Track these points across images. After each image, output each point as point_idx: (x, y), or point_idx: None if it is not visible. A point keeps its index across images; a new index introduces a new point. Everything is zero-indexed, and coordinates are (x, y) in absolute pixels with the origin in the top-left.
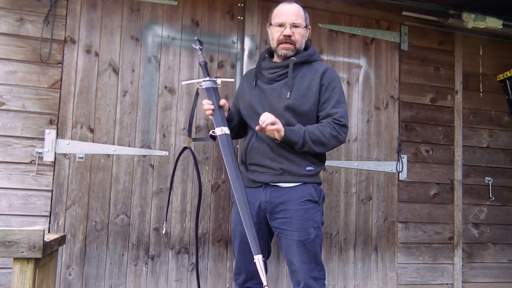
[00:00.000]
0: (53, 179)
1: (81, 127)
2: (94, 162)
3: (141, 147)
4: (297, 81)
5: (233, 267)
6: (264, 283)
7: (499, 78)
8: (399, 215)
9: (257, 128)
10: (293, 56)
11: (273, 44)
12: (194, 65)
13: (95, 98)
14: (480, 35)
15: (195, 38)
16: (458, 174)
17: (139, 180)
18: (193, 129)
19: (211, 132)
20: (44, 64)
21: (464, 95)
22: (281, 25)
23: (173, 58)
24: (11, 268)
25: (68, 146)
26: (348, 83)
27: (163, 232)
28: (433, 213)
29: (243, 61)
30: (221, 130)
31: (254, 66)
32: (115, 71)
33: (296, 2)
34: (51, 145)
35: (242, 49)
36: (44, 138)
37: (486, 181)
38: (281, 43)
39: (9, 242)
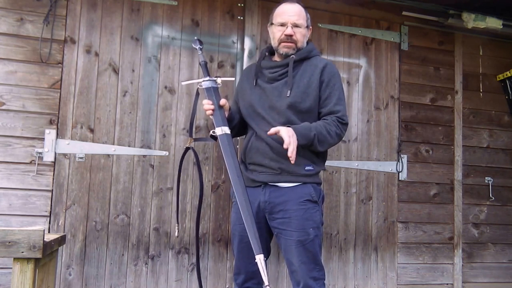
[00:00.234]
0: (53, 179)
1: (81, 127)
2: (94, 162)
3: (141, 147)
4: (297, 79)
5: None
6: (266, 283)
7: (499, 78)
8: (399, 215)
9: (268, 133)
10: (293, 55)
11: (274, 43)
12: (194, 65)
13: (95, 98)
14: (480, 35)
15: (195, 38)
16: (458, 174)
17: (139, 180)
18: (193, 129)
19: (211, 132)
20: (44, 64)
21: (464, 95)
22: (282, 25)
23: (173, 58)
24: (11, 268)
25: (68, 146)
26: (348, 83)
27: (176, 235)
28: (433, 213)
29: (243, 61)
30: (222, 130)
31: (254, 62)
32: (115, 71)
33: (298, 2)
34: (51, 145)
35: (242, 49)
36: (44, 138)
37: (486, 181)
38: (283, 42)
39: (9, 242)
